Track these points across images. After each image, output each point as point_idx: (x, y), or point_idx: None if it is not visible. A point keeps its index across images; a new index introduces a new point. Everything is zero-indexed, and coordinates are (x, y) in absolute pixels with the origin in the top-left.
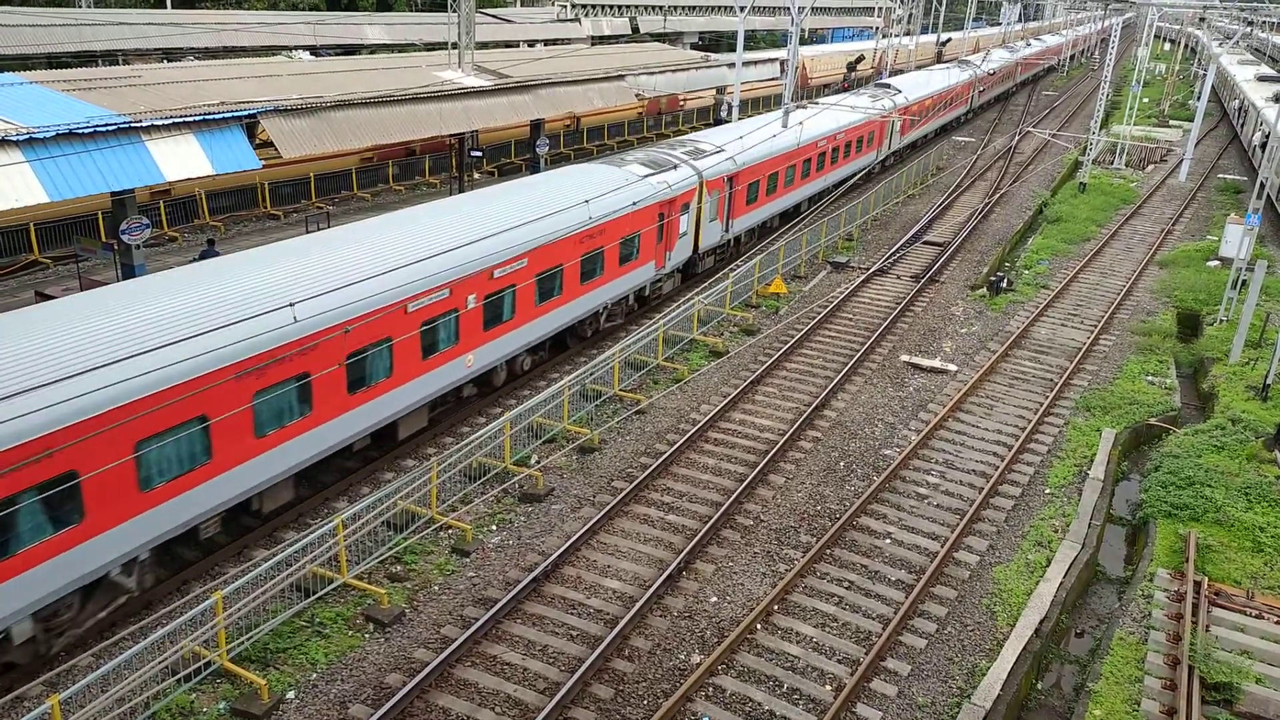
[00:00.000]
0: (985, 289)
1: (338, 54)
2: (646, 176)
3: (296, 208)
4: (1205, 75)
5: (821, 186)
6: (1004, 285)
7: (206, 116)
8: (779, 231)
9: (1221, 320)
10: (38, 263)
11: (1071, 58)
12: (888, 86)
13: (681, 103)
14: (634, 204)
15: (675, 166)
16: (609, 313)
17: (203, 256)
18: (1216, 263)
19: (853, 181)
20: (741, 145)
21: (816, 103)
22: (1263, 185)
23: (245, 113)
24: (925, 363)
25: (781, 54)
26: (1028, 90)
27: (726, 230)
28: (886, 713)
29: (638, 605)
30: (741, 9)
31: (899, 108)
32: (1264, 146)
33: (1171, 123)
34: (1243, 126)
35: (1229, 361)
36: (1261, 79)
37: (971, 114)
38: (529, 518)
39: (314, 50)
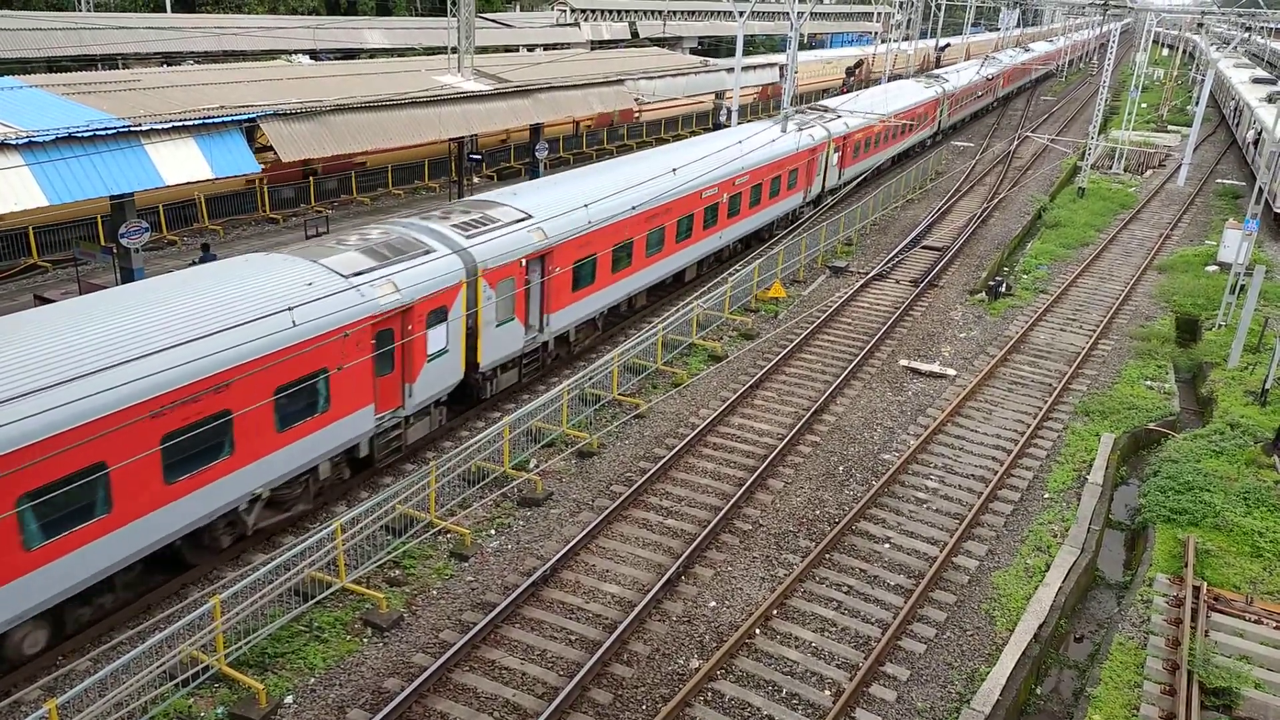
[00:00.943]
0: (984, 294)
1: (337, 58)
2: (356, 278)
3: (296, 212)
4: (1203, 80)
5: (718, 245)
6: (1003, 290)
7: (206, 120)
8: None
9: (1220, 325)
10: (36, 266)
11: (1070, 63)
12: (824, 109)
13: (637, 114)
14: (323, 327)
15: (426, 253)
16: (271, 499)
17: (200, 261)
18: (1215, 268)
19: (779, 230)
20: (563, 207)
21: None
22: (1261, 190)
23: (245, 116)
24: (924, 367)
25: (774, 59)
26: (1026, 96)
27: (540, 329)
28: (885, 718)
29: (636, 610)
30: (741, 14)
31: (835, 136)
32: (1256, 143)
33: (1170, 128)
34: (1238, 126)
35: (1228, 366)
36: (1257, 81)
37: (940, 136)
38: (528, 522)
39: (314, 54)
